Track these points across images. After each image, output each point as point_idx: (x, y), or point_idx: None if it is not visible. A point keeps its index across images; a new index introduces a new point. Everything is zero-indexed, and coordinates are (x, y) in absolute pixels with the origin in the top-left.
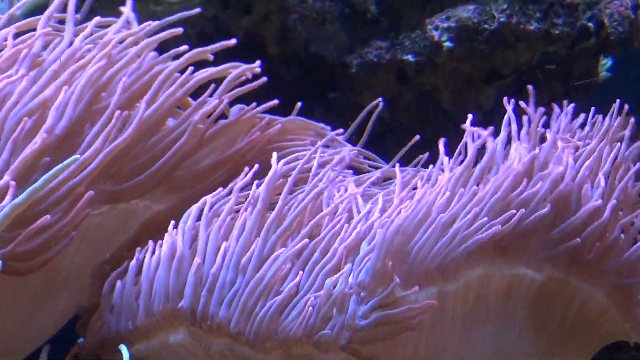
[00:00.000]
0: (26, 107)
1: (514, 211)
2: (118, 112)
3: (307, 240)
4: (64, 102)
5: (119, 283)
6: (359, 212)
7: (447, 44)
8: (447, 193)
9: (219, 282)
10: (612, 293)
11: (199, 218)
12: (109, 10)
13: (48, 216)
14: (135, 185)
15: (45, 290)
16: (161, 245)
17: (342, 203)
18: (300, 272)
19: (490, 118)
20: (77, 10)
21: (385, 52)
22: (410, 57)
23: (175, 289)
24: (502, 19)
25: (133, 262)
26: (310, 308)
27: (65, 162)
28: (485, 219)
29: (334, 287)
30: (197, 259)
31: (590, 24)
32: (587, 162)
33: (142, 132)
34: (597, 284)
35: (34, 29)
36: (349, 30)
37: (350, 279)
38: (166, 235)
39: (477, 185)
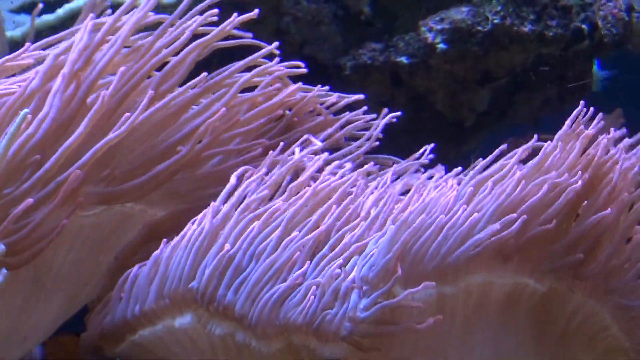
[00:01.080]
0: (17, 102)
1: (514, 215)
2: (105, 93)
3: (318, 230)
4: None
5: (135, 268)
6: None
7: (441, 45)
8: (453, 193)
9: (233, 265)
10: (616, 312)
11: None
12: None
13: (31, 200)
14: (128, 188)
15: (38, 289)
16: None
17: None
18: (308, 262)
19: (484, 120)
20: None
21: (379, 54)
22: (404, 59)
23: (190, 270)
24: (495, 21)
25: (157, 251)
26: (312, 296)
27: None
28: (485, 219)
29: (337, 278)
30: (227, 245)
31: (584, 26)
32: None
33: (142, 133)
34: (601, 301)
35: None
36: (343, 32)
37: (354, 272)
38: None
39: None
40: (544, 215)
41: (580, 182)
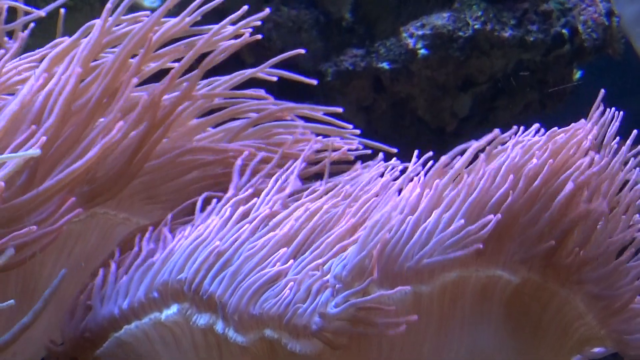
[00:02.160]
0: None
1: (491, 216)
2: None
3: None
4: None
5: (114, 268)
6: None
7: (422, 51)
8: (423, 191)
9: (222, 259)
10: (589, 301)
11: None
12: (84, 16)
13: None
14: (106, 182)
15: (26, 303)
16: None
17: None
18: (292, 259)
19: (466, 125)
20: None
21: (360, 60)
22: (385, 65)
23: (182, 265)
24: (476, 27)
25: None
26: (288, 290)
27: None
28: (462, 222)
29: (314, 275)
30: (217, 242)
31: (564, 31)
32: (570, 160)
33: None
34: (574, 290)
35: None
36: (324, 39)
37: (330, 272)
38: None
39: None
40: (515, 206)
41: (543, 165)
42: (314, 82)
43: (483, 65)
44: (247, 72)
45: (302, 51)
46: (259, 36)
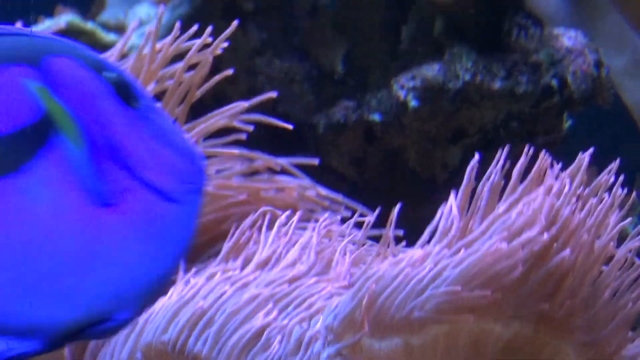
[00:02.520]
0: None
1: (488, 292)
2: None
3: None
4: None
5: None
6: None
7: (413, 103)
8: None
9: (206, 318)
10: (580, 349)
11: None
12: None
13: None
14: None
15: None
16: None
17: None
18: (277, 312)
19: (456, 177)
20: None
21: (352, 112)
22: (376, 117)
23: (164, 325)
24: (466, 78)
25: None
26: (277, 344)
27: None
28: (458, 282)
29: (303, 327)
30: (201, 302)
31: (553, 82)
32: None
33: None
34: (564, 340)
35: None
36: (316, 91)
37: (320, 323)
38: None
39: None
40: (511, 270)
41: (546, 235)
42: (290, 126)
43: (473, 117)
44: (216, 117)
45: (274, 94)
46: (230, 71)
